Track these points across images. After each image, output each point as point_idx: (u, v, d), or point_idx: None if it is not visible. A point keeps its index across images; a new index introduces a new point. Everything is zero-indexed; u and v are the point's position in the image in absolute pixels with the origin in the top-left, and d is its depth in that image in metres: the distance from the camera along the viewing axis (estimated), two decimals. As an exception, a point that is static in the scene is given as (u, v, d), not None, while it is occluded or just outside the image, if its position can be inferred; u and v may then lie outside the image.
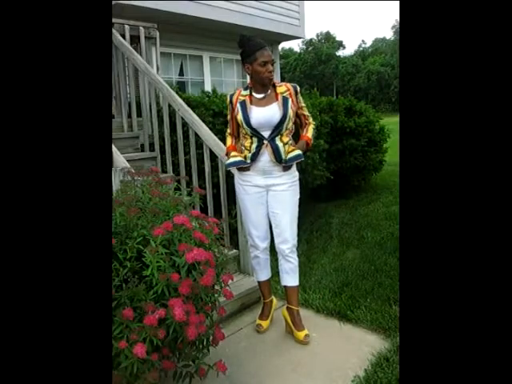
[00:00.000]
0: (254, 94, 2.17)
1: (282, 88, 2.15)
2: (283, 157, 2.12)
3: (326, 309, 2.49)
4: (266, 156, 2.13)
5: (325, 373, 1.94)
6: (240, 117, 2.14)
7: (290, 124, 2.15)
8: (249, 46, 2.09)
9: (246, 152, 2.17)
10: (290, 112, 2.12)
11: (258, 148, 2.13)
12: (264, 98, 2.15)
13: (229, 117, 2.30)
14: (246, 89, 2.22)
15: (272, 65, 2.10)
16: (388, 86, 44.42)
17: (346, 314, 2.42)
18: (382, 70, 45.50)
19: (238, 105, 2.17)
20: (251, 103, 2.15)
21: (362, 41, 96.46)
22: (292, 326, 2.23)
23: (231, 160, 2.22)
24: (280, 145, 2.12)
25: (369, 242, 3.73)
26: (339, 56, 53.90)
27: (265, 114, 2.11)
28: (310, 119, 2.28)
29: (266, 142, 2.12)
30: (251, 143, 2.15)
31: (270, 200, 2.21)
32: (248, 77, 2.20)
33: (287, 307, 2.29)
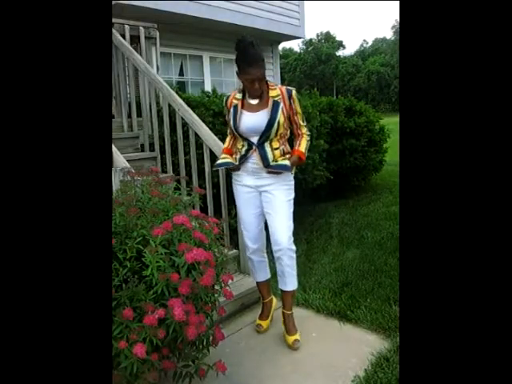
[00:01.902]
0: (247, 98, 2.14)
1: (275, 91, 2.09)
2: (270, 162, 2.09)
3: (326, 309, 2.49)
4: (254, 159, 2.12)
5: (325, 373, 1.94)
6: (231, 122, 2.14)
7: (282, 130, 2.09)
8: (240, 58, 2.02)
9: (238, 154, 2.18)
10: (280, 117, 2.06)
11: (246, 152, 2.13)
12: (257, 103, 2.11)
13: (227, 117, 2.28)
14: (240, 92, 2.18)
15: (260, 81, 2.03)
16: (388, 86, 44.44)
17: (346, 313, 2.42)
18: (381, 70, 45.52)
19: (231, 109, 2.16)
20: (243, 107, 2.13)
21: (364, 40, 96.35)
22: (284, 330, 2.22)
23: (219, 161, 2.25)
24: (268, 150, 2.09)
25: (369, 242, 3.73)
26: (339, 56, 53.93)
27: (254, 120, 2.08)
28: (304, 129, 2.19)
29: (254, 147, 2.11)
30: (243, 146, 2.16)
31: (263, 201, 2.19)
32: None
33: (282, 312, 2.27)
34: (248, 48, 2.00)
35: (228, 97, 2.23)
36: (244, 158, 2.15)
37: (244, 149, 2.15)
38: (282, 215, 2.15)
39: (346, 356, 2.05)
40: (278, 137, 2.10)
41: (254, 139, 2.10)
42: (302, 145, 2.18)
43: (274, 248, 2.18)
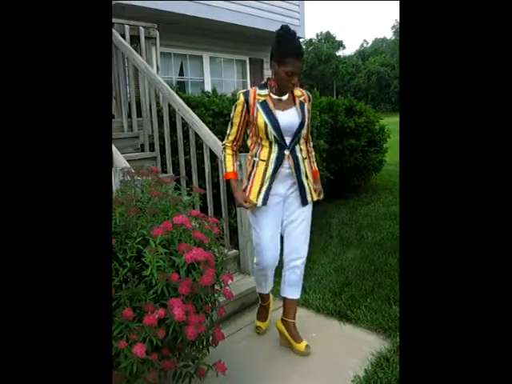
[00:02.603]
0: (272, 94, 1.96)
1: (297, 91, 2.00)
2: (303, 177, 1.99)
3: (326, 309, 2.49)
4: (286, 163, 1.96)
5: (325, 373, 1.94)
6: (264, 119, 1.90)
7: (306, 132, 2.01)
8: (284, 46, 1.86)
9: (262, 165, 1.94)
10: (307, 118, 1.98)
11: (280, 160, 1.93)
12: (283, 100, 1.96)
13: (237, 119, 1.98)
14: (262, 87, 1.97)
15: (298, 76, 1.89)
16: (388, 85, 44.45)
17: (346, 313, 2.42)
18: (381, 70, 45.53)
19: (259, 106, 1.92)
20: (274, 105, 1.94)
21: (364, 40, 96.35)
22: (290, 339, 2.11)
23: (262, 196, 1.95)
24: (300, 156, 1.97)
25: (369, 241, 3.73)
26: (339, 56, 53.98)
27: (288, 119, 1.93)
28: (309, 134, 2.12)
29: (287, 152, 1.94)
30: (270, 153, 1.93)
31: (288, 207, 2.05)
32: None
33: (284, 320, 2.16)
34: (293, 39, 1.87)
35: (246, 92, 1.95)
36: (278, 168, 1.94)
37: (274, 156, 1.93)
38: (305, 223, 2.08)
39: (346, 356, 2.05)
40: (303, 140, 2.01)
41: (287, 141, 1.93)
42: (315, 162, 2.17)
43: (292, 256, 2.07)
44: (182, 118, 2.94)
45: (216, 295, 1.58)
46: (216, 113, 3.44)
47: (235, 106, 1.97)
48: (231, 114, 2.01)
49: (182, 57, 6.16)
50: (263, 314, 2.34)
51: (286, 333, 2.14)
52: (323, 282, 2.90)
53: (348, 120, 4.92)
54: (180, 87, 5.35)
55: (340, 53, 56.57)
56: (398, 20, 1.34)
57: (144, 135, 3.49)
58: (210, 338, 1.56)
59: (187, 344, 1.48)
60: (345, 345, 2.16)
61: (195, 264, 1.41)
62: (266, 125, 1.90)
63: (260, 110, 1.91)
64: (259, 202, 1.96)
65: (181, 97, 3.11)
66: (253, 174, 1.99)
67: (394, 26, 57.82)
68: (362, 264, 3.20)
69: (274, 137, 1.91)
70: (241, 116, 1.96)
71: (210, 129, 2.85)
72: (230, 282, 1.56)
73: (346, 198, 5.36)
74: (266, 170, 1.95)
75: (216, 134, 2.80)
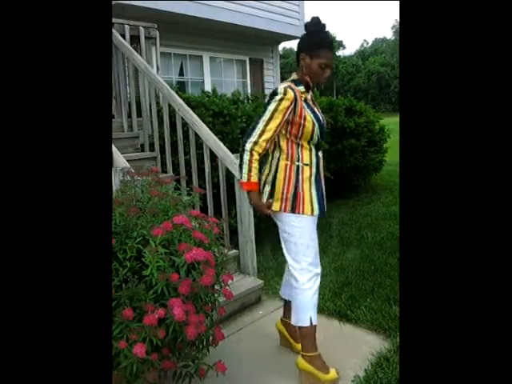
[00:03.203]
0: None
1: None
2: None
3: (327, 309, 2.49)
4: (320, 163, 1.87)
5: (325, 373, 1.94)
6: (312, 119, 1.74)
7: None
8: (316, 37, 1.73)
9: (307, 169, 1.77)
10: None
11: (319, 163, 1.82)
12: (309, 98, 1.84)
13: (280, 115, 1.68)
14: (298, 84, 1.77)
15: (331, 69, 1.78)
16: (388, 85, 44.46)
17: (346, 313, 2.42)
18: (381, 70, 45.53)
19: (304, 104, 1.75)
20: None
21: (364, 40, 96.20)
22: (290, 339, 2.11)
23: (316, 204, 1.78)
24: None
25: (369, 241, 3.73)
26: (339, 56, 53.96)
27: (323, 119, 1.84)
28: None
29: (320, 155, 1.85)
30: (311, 156, 1.79)
31: None
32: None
33: (283, 321, 2.14)
34: (324, 30, 1.76)
35: (291, 88, 1.72)
36: (319, 170, 1.83)
37: (315, 159, 1.80)
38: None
39: (346, 356, 2.05)
40: None
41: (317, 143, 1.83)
42: None
43: None
44: (182, 118, 2.94)
45: (216, 295, 1.58)
46: (216, 113, 3.44)
47: (280, 101, 1.68)
48: (270, 108, 1.69)
49: (182, 57, 6.17)
50: (324, 363, 1.85)
51: (286, 333, 2.14)
52: (323, 282, 2.89)
53: (348, 120, 4.93)
54: (180, 87, 5.36)
55: (340, 53, 56.56)
56: (398, 20, 1.34)
57: (144, 135, 3.49)
58: (210, 338, 1.56)
59: (187, 344, 1.48)
60: (345, 345, 2.16)
61: (195, 264, 1.41)
62: (314, 125, 1.74)
63: (307, 108, 1.74)
64: (315, 212, 1.77)
65: (181, 97, 3.11)
66: (300, 180, 1.76)
67: (394, 26, 57.85)
68: (362, 264, 3.20)
69: (318, 138, 1.78)
70: (285, 113, 1.69)
71: (210, 129, 2.85)
72: (229, 281, 1.56)
73: (346, 198, 5.36)
74: (311, 175, 1.79)
75: (216, 134, 2.80)
